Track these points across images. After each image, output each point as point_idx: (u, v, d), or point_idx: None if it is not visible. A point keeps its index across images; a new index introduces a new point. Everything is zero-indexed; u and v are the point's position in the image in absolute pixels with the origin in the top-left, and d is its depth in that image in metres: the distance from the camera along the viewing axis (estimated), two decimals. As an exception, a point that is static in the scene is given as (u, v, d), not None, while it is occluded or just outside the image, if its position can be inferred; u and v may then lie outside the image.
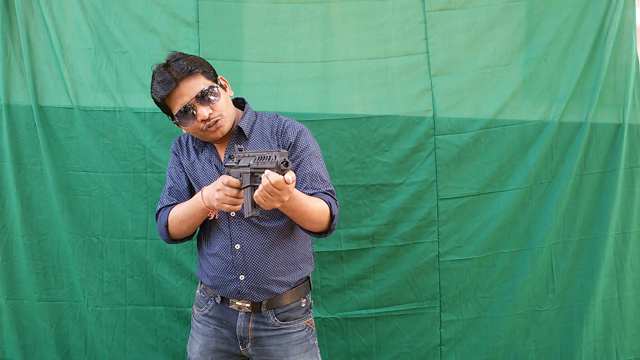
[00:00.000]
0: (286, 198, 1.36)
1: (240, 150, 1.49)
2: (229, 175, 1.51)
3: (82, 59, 2.16)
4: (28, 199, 2.17)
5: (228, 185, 1.47)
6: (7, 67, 2.14)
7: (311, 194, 1.60)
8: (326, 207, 1.59)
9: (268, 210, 1.56)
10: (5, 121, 2.13)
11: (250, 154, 1.44)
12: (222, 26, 2.18)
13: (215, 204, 1.51)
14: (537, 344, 2.23)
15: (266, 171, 1.32)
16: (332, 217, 1.60)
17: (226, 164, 1.54)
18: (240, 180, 1.47)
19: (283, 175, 1.30)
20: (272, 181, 1.30)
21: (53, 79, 2.16)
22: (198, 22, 2.17)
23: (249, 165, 1.41)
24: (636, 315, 2.23)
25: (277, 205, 1.38)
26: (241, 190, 1.47)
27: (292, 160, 1.64)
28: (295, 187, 1.59)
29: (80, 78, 2.16)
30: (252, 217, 1.49)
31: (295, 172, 1.57)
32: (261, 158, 1.37)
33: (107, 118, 2.15)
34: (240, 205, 1.50)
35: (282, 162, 1.29)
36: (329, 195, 1.64)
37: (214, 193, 1.51)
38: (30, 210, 2.17)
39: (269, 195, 1.34)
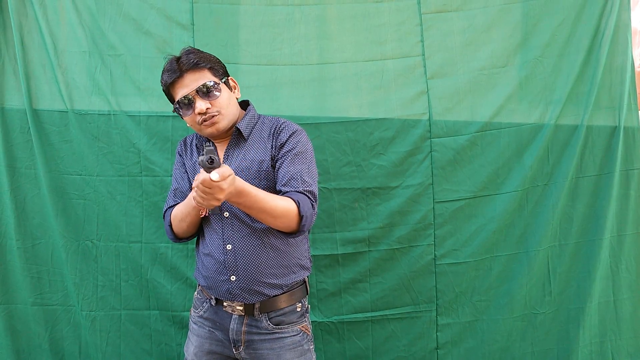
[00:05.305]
0: (220, 196, 1.37)
1: (208, 146, 1.45)
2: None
3: (77, 62, 2.15)
4: (22, 202, 2.15)
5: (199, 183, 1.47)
6: (1, 71, 2.14)
7: (284, 193, 1.59)
8: (291, 205, 1.55)
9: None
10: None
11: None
12: (217, 28, 2.18)
13: (194, 202, 1.51)
14: (533, 347, 2.23)
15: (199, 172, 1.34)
16: (300, 216, 1.56)
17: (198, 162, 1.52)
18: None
19: (209, 173, 1.31)
20: (199, 180, 1.33)
21: (47, 82, 2.15)
22: (193, 24, 2.16)
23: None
24: (631, 317, 2.23)
25: (217, 203, 1.39)
26: None
27: (278, 159, 1.65)
28: (272, 185, 1.63)
29: (75, 81, 2.15)
30: (213, 214, 1.55)
31: (277, 171, 1.62)
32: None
33: (101, 121, 2.14)
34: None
35: (207, 160, 1.30)
36: (305, 194, 1.59)
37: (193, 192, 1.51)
38: (24, 214, 2.16)
39: (203, 195, 1.37)
